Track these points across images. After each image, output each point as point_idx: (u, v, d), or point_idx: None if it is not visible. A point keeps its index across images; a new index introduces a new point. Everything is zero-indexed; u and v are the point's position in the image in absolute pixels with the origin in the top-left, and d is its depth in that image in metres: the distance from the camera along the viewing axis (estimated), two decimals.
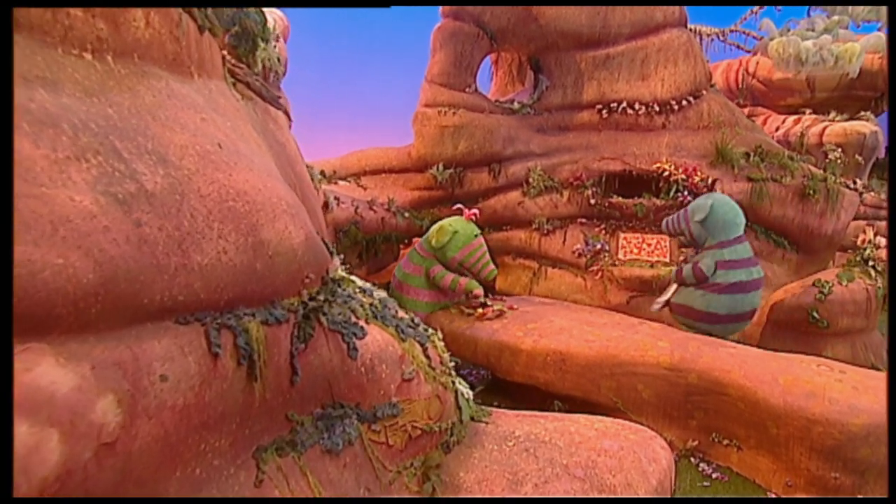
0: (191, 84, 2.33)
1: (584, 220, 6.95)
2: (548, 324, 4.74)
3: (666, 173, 6.64)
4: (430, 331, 2.92)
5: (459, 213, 5.45)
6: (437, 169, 7.04)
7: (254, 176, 2.19)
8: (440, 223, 5.28)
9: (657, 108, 7.12)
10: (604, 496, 2.35)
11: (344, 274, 2.72)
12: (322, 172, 7.19)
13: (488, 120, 7.05)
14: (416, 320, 2.88)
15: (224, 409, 1.82)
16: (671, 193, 6.57)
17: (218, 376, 1.80)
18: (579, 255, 6.73)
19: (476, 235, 5.23)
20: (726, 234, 4.95)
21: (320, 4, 7.03)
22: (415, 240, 7.88)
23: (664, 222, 5.37)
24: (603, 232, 6.80)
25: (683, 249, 6.06)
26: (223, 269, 1.88)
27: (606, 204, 6.79)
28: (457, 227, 5.20)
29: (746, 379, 3.70)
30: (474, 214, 5.41)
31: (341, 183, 7.33)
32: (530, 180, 6.96)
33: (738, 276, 4.84)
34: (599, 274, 6.58)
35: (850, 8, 11.00)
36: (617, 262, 6.56)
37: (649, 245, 6.59)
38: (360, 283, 2.82)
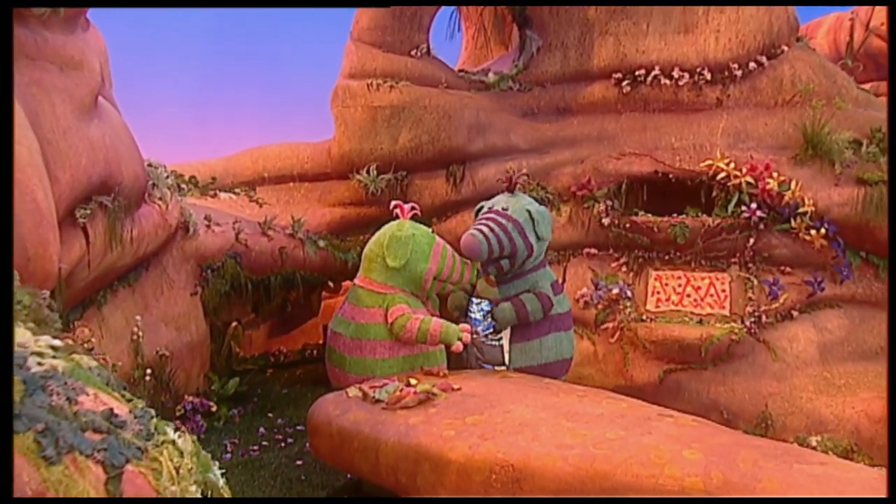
0: None
1: (593, 251, 6.85)
2: (501, 415, 4.24)
3: (722, 175, 6.40)
4: (154, 441, 2.13)
5: (396, 216, 5.49)
6: (368, 173, 6.84)
7: None
8: (383, 235, 5.30)
9: (708, 76, 6.92)
10: None
11: None
12: (191, 179, 6.91)
13: (446, 98, 6.90)
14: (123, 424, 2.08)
15: None
16: (730, 207, 6.31)
17: None
18: (585, 304, 6.58)
19: (433, 233, 5.44)
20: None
21: (317, 5, 7.26)
22: (346, 283, 7.45)
23: (478, 239, 5.00)
24: (623, 269, 6.68)
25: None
26: None
27: (628, 224, 6.63)
28: (409, 229, 5.27)
29: None
30: (415, 209, 5.51)
31: (223, 195, 7.05)
32: None
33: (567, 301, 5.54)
34: (616, 334, 6.42)
35: None
36: (645, 317, 6.40)
37: (697, 289, 6.38)
38: None
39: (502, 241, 5.01)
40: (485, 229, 5.04)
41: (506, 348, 5.15)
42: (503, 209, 5.21)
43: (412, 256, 5.15)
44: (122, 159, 4.78)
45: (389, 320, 5.04)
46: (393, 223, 5.36)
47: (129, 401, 2.32)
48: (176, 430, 2.37)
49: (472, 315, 5.21)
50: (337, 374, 5.20)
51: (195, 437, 2.42)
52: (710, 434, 3.95)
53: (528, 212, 5.16)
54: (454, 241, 6.82)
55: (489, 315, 5.10)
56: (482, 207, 5.43)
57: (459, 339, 4.94)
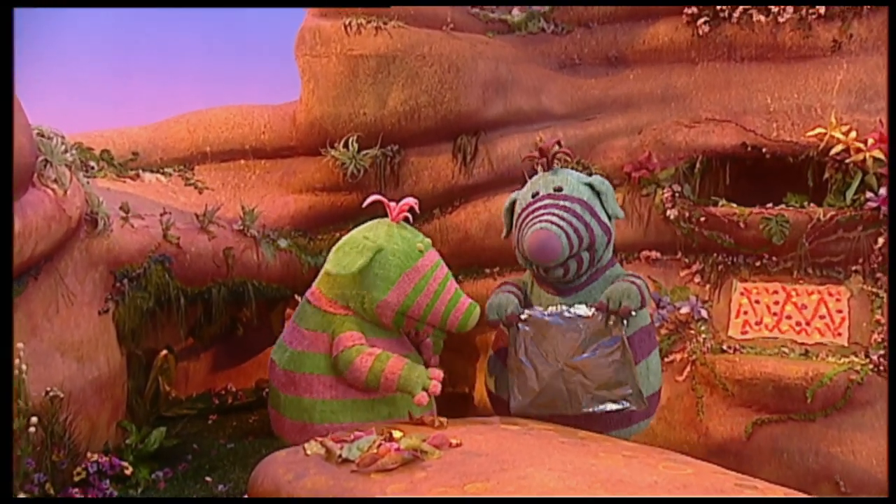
0: None
1: (654, 255, 6.99)
2: (514, 482, 4.02)
3: (838, 149, 6.35)
4: None
5: (381, 213, 5.47)
6: (347, 147, 6.88)
7: None
8: (346, 239, 5.33)
9: (822, 10, 6.88)
10: None
11: None
12: (103, 154, 6.91)
13: (453, 44, 6.98)
14: None
15: None
16: (849, 194, 6.31)
17: None
18: None
19: (422, 251, 5.26)
20: None
21: (318, 4, 7.68)
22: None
23: (554, 232, 4.99)
24: (696, 279, 6.79)
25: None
26: None
27: (703, 218, 6.68)
28: (378, 238, 5.18)
29: None
30: (409, 207, 5.43)
31: (148, 177, 7.08)
32: None
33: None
34: (686, 370, 6.53)
35: None
36: (727, 346, 6.47)
37: (801, 308, 6.46)
38: None
39: (579, 229, 4.98)
40: (555, 219, 4.96)
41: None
42: (556, 190, 5.15)
43: (367, 280, 5.11)
44: None
45: (334, 352, 5.06)
46: (371, 223, 5.35)
47: None
48: None
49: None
50: (274, 417, 5.28)
51: None
52: None
53: (590, 186, 5.15)
54: (463, 239, 6.91)
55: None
56: (514, 201, 5.33)
57: (425, 390, 4.85)
